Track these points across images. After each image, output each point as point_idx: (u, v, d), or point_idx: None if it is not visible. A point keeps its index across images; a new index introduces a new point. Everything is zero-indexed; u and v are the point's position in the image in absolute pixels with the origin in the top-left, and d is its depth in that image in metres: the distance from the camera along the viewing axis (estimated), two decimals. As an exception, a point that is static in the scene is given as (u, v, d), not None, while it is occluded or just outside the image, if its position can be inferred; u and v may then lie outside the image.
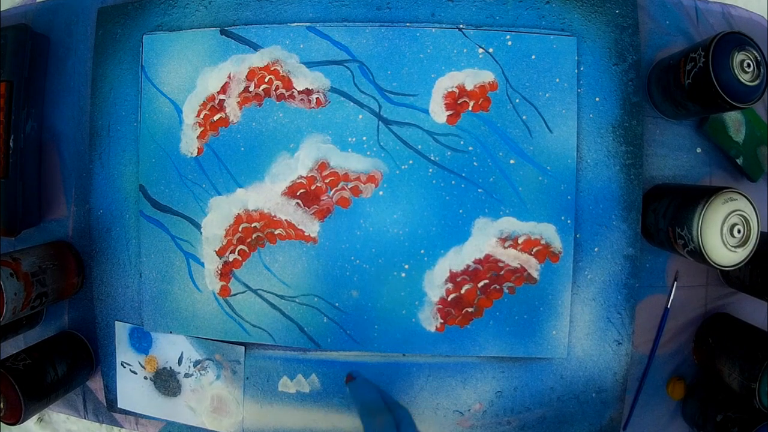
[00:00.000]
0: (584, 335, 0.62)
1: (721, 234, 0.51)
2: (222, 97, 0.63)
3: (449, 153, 0.61)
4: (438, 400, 0.63)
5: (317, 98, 0.61)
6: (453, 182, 0.61)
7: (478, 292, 0.61)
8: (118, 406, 0.69)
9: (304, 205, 0.62)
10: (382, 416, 0.50)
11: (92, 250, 0.67)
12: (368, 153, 0.61)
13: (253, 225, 0.63)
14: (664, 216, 0.57)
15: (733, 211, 0.51)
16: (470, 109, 0.60)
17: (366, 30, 0.61)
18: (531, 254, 0.60)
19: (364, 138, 0.61)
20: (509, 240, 0.60)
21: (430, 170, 0.61)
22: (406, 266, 0.61)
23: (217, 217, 0.63)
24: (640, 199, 0.60)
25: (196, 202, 0.64)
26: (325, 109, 0.61)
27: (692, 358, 0.65)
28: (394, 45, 0.61)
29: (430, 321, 0.61)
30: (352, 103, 0.61)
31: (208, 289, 0.64)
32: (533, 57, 0.60)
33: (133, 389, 0.68)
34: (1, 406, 0.59)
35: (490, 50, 0.60)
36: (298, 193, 0.62)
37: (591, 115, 0.60)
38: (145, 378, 0.67)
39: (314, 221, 0.62)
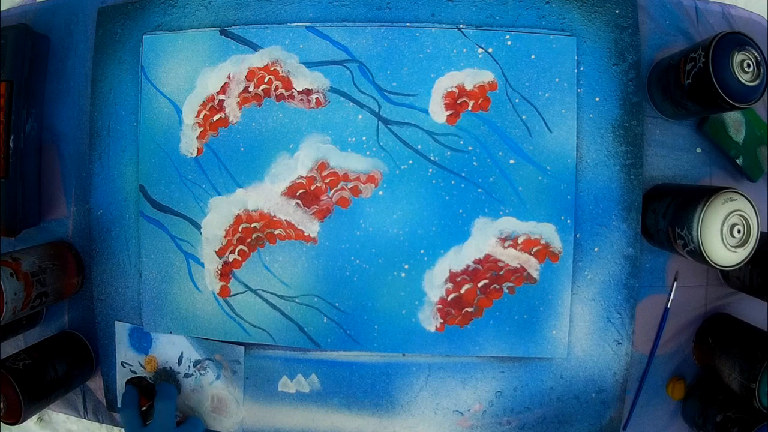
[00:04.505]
0: (584, 335, 0.62)
1: (721, 234, 0.51)
2: (222, 97, 0.63)
3: (449, 153, 0.61)
4: (438, 400, 0.63)
5: (317, 98, 0.61)
6: (453, 182, 0.61)
7: (478, 292, 0.61)
8: (118, 406, 0.69)
9: (303, 205, 0.62)
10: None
11: (92, 250, 0.67)
12: (368, 153, 0.61)
13: (252, 225, 0.63)
14: (664, 216, 0.57)
15: (733, 211, 0.51)
16: (470, 108, 0.60)
17: (366, 30, 0.61)
18: (531, 254, 0.60)
19: (364, 138, 0.61)
20: (509, 240, 0.60)
21: (430, 170, 0.61)
22: (406, 266, 0.61)
23: (217, 217, 0.63)
24: (640, 199, 0.60)
25: (195, 203, 0.64)
26: (325, 109, 0.61)
27: (692, 358, 0.64)
28: (393, 45, 0.61)
29: (430, 321, 0.61)
30: (351, 103, 0.61)
31: (208, 290, 0.64)
32: (533, 57, 0.60)
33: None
34: (1, 406, 0.59)
35: (490, 50, 0.60)
36: (297, 194, 0.62)
37: (591, 115, 0.60)
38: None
39: (314, 221, 0.62)
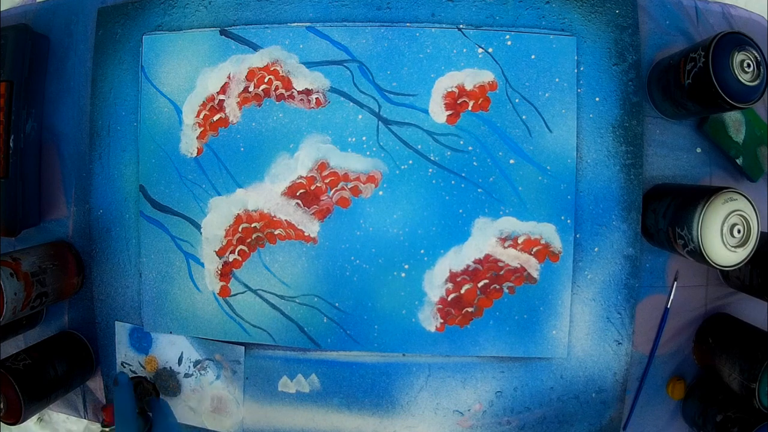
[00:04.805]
0: (584, 335, 0.62)
1: (721, 234, 0.51)
2: (222, 97, 0.63)
3: (449, 153, 0.61)
4: (438, 400, 0.63)
5: (317, 98, 0.61)
6: (453, 182, 0.61)
7: (478, 292, 0.61)
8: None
9: (303, 206, 0.62)
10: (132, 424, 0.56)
11: (92, 250, 0.67)
12: (368, 153, 0.61)
13: (252, 225, 0.63)
14: (664, 216, 0.57)
15: (733, 211, 0.51)
16: (470, 108, 0.60)
17: (366, 30, 0.61)
18: (531, 254, 0.60)
19: (364, 138, 0.61)
20: (509, 240, 0.60)
21: (430, 170, 0.61)
22: (406, 266, 0.61)
23: (217, 217, 0.63)
24: (640, 199, 0.60)
25: (196, 203, 0.64)
26: (325, 109, 0.61)
27: (692, 358, 0.64)
28: (393, 45, 0.61)
29: (430, 321, 0.61)
30: (351, 103, 0.61)
31: (208, 290, 0.64)
32: (533, 57, 0.60)
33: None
34: (1, 406, 0.59)
35: (490, 50, 0.60)
36: (297, 194, 0.62)
37: (591, 115, 0.60)
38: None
39: (314, 221, 0.62)
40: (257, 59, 0.62)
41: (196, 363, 0.66)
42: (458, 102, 0.60)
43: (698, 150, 0.63)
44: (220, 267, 0.64)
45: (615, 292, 0.61)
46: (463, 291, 0.61)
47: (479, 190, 0.60)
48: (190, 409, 0.67)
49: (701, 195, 0.52)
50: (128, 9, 0.65)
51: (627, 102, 0.60)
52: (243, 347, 0.65)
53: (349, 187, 0.61)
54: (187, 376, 0.66)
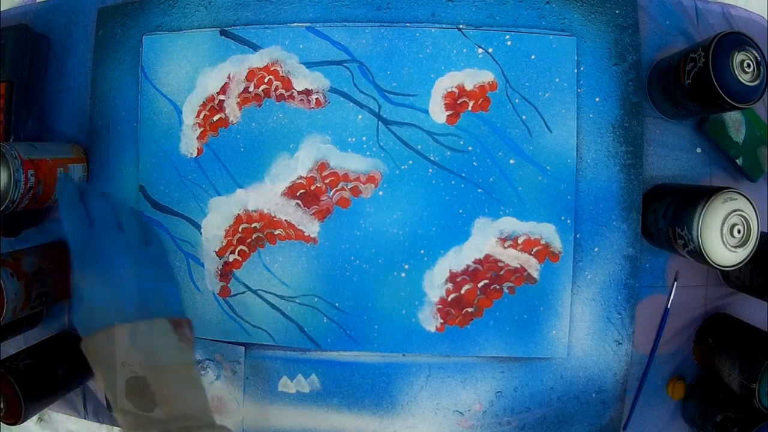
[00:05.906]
0: (584, 335, 0.62)
1: (721, 234, 0.51)
2: (222, 97, 0.63)
3: (449, 153, 0.61)
4: (438, 400, 0.63)
5: (317, 98, 0.61)
6: (453, 182, 0.61)
7: (478, 292, 0.61)
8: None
9: (303, 206, 0.62)
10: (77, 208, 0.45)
11: (92, 251, 0.67)
12: (368, 153, 0.61)
13: (252, 225, 0.63)
14: (664, 216, 0.57)
15: (733, 211, 0.51)
16: (470, 109, 0.60)
17: (366, 30, 0.61)
18: (531, 254, 0.60)
19: (364, 138, 0.61)
20: (509, 240, 0.60)
21: (430, 170, 0.61)
22: (406, 266, 0.61)
23: (217, 217, 0.63)
24: (640, 199, 0.60)
25: (195, 203, 0.64)
26: (325, 109, 0.61)
27: (692, 358, 0.64)
28: (393, 45, 0.61)
29: (430, 321, 0.61)
30: (351, 104, 0.61)
31: (208, 290, 0.64)
32: (533, 57, 0.60)
33: (133, 389, 0.68)
34: (1, 406, 0.59)
35: (490, 50, 0.60)
36: (297, 194, 0.62)
37: (591, 115, 0.60)
38: (145, 378, 0.67)
39: (314, 221, 0.62)
40: (257, 59, 0.62)
41: (197, 363, 0.66)
42: (458, 102, 0.60)
43: (698, 150, 0.63)
44: (220, 267, 0.64)
45: (615, 292, 0.61)
46: (463, 291, 0.61)
47: (479, 190, 0.60)
48: (190, 409, 0.67)
49: (701, 195, 0.52)
50: (128, 9, 0.65)
51: (627, 102, 0.60)
52: (243, 347, 0.65)
53: (349, 187, 0.61)
54: (187, 376, 0.66)
